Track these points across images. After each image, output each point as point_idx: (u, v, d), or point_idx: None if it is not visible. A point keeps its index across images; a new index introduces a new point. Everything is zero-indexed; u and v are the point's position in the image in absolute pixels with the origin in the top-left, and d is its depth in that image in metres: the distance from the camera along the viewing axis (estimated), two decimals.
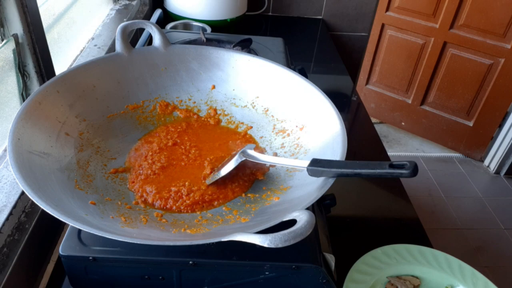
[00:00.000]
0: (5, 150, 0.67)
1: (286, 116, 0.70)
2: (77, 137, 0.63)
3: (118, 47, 0.71)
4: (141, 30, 1.06)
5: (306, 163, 0.52)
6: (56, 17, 0.89)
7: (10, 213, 0.57)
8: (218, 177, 0.59)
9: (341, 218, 0.75)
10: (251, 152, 0.59)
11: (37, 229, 0.62)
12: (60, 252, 0.49)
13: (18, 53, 0.71)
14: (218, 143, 0.70)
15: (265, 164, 0.64)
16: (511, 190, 2.15)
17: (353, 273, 0.60)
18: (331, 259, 0.54)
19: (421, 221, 0.81)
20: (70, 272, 0.52)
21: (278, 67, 0.72)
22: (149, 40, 0.98)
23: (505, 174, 2.22)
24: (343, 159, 0.55)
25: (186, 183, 0.60)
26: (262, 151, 0.68)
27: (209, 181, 0.60)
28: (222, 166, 0.61)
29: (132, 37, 1.12)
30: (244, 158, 0.59)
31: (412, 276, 0.63)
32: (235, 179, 0.62)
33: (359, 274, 0.60)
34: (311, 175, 0.52)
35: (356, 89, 1.32)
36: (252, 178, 0.63)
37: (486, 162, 2.28)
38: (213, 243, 0.45)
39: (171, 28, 1.23)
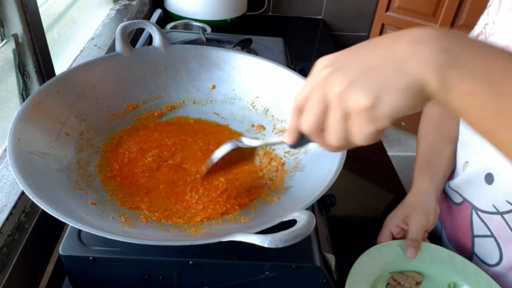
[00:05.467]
0: (5, 150, 0.67)
1: (286, 116, 0.70)
2: (77, 137, 0.63)
3: (118, 47, 0.71)
4: (141, 30, 1.06)
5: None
6: (56, 17, 0.89)
7: (10, 213, 0.57)
8: (211, 164, 0.55)
9: (341, 218, 0.75)
10: (244, 139, 0.54)
11: (37, 229, 0.62)
12: (60, 252, 0.49)
13: (18, 53, 0.70)
14: (214, 143, 0.69)
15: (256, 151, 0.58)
16: None
17: (356, 268, 0.60)
18: (331, 259, 0.54)
19: None
20: (70, 272, 0.52)
21: (278, 67, 0.72)
22: (149, 40, 0.98)
23: None
24: (343, 158, 0.55)
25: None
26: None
27: (205, 169, 0.56)
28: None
29: (132, 37, 1.12)
30: (237, 145, 0.54)
31: (415, 272, 0.62)
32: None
33: (362, 269, 0.60)
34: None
35: None
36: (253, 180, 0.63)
37: None
38: (213, 243, 0.45)
39: (171, 28, 1.23)
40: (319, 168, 0.57)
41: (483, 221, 0.67)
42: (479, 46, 0.29)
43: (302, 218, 0.42)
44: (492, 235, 0.66)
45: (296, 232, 0.40)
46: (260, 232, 0.42)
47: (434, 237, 0.75)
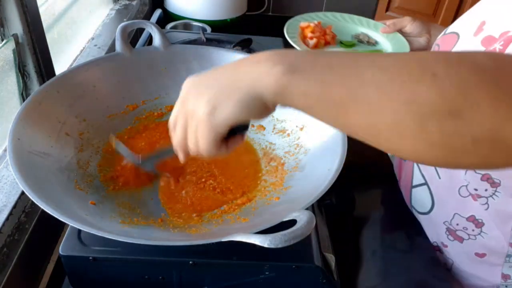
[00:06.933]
0: (5, 150, 0.67)
1: (286, 116, 0.70)
2: (77, 137, 0.63)
3: (118, 47, 0.71)
4: (141, 30, 1.06)
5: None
6: (56, 17, 0.89)
7: (10, 213, 0.57)
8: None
9: (341, 218, 0.75)
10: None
11: (37, 229, 0.62)
12: (60, 252, 0.49)
13: (18, 53, 0.70)
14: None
15: None
16: None
17: None
18: (331, 259, 0.54)
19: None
20: (70, 272, 0.52)
21: None
22: (149, 40, 0.98)
23: None
24: (343, 158, 0.55)
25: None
26: None
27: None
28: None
29: (132, 37, 1.12)
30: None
31: None
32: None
33: None
34: None
35: None
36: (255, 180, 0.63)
37: None
38: (213, 243, 0.45)
39: (171, 28, 1.23)
40: (319, 168, 0.57)
41: (420, 170, 0.72)
42: (308, 54, 0.35)
43: (302, 218, 0.42)
44: (425, 183, 0.70)
45: (296, 232, 0.40)
46: (260, 232, 0.42)
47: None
